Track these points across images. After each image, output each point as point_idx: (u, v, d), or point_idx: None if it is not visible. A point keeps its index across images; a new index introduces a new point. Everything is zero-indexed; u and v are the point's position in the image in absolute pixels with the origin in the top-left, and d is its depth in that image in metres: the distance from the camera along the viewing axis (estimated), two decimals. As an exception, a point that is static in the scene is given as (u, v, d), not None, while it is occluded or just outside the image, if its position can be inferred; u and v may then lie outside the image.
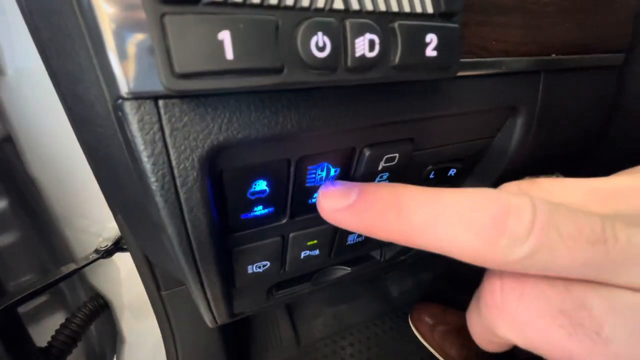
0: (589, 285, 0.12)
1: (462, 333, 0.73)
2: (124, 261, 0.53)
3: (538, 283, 0.12)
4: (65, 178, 0.47)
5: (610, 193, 0.13)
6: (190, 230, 0.16)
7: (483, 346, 0.17)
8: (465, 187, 0.13)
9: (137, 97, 0.13)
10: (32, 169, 0.46)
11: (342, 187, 0.15)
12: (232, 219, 0.20)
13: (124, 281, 0.56)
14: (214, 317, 0.28)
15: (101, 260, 0.50)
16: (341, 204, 0.15)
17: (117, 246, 0.50)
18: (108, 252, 0.50)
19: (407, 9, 0.15)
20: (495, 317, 0.13)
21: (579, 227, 0.11)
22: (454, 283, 0.87)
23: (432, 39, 0.15)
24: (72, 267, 0.47)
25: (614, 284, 0.11)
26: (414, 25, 0.15)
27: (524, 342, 0.13)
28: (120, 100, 0.13)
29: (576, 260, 0.11)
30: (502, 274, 0.13)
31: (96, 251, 0.49)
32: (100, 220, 0.51)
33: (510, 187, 0.16)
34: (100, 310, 0.56)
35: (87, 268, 0.50)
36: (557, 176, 0.15)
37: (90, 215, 0.51)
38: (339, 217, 0.15)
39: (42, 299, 0.54)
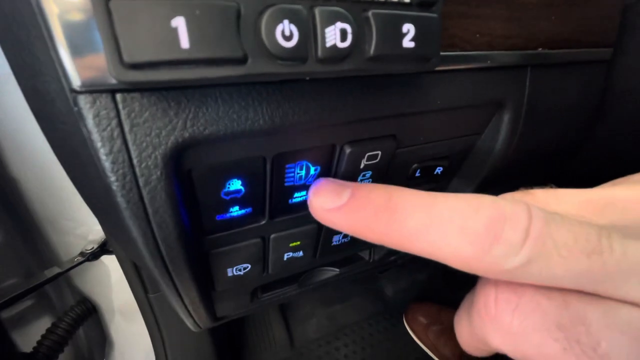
0: (588, 299, 0.11)
1: (457, 333, 0.72)
2: (111, 264, 0.52)
3: (535, 295, 0.12)
4: (49, 179, 0.45)
5: (605, 204, 0.13)
6: (157, 233, 0.16)
7: (469, 351, 0.17)
8: (455, 189, 0.13)
9: (92, 90, 0.12)
10: (13, 169, 0.44)
11: (334, 185, 0.15)
12: (207, 220, 0.19)
13: (111, 284, 0.54)
14: (195, 322, 0.27)
15: (88, 263, 0.49)
16: (333, 204, 0.14)
17: (104, 249, 0.49)
18: (94, 255, 0.49)
19: (381, -3, 0.14)
20: (487, 328, 0.13)
21: (575, 236, 0.11)
22: (449, 282, 0.86)
23: (409, 29, 0.14)
24: (56, 270, 0.46)
25: (612, 297, 0.11)
26: (390, 15, 0.14)
27: (516, 354, 0.12)
28: (74, 94, 0.12)
29: (571, 270, 0.11)
30: (497, 283, 0.13)
31: (82, 254, 0.48)
32: (86, 223, 0.50)
33: (505, 198, 0.15)
34: (88, 314, 0.55)
35: (73, 271, 0.48)
36: (551, 187, 0.15)
37: (75, 217, 0.50)
38: (330, 216, 0.15)
39: (27, 303, 0.52)
